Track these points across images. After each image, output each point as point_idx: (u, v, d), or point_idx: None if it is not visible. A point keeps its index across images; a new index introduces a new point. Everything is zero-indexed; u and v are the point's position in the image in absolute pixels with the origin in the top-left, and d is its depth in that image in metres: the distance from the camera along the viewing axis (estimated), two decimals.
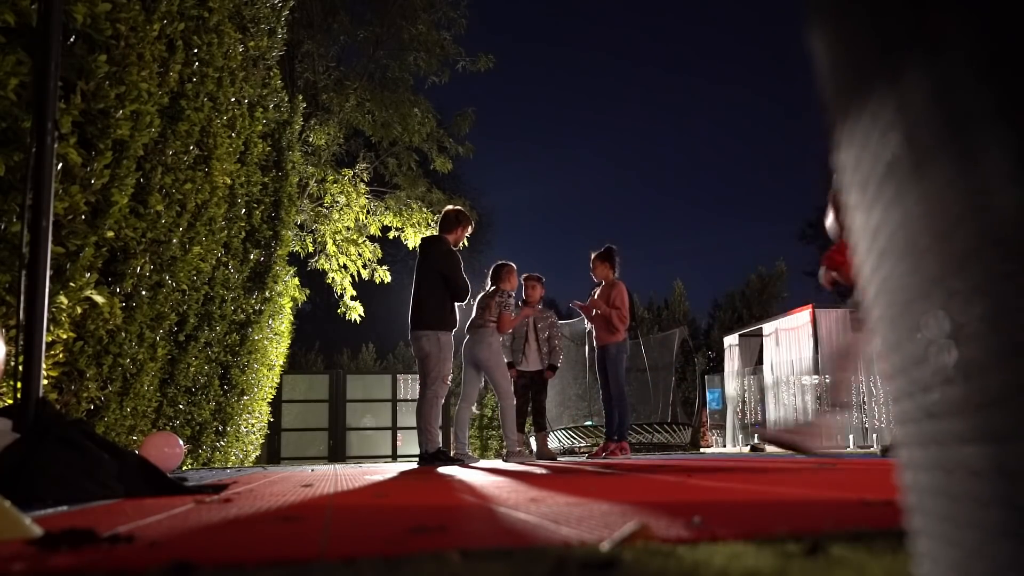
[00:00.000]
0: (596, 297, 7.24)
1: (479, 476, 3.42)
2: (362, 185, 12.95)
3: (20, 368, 2.43)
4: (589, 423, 16.03)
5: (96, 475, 2.25)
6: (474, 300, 6.56)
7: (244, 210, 6.61)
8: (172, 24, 4.33)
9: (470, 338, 6.52)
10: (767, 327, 14.92)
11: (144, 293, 4.41)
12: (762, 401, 14.77)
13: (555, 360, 7.27)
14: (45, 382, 2.87)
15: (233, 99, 5.78)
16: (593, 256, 7.26)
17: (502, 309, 6.40)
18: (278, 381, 9.79)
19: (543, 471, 3.82)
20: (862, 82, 0.46)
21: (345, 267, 12.89)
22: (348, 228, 12.86)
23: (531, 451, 8.57)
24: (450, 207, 6.39)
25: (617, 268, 7.20)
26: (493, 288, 6.63)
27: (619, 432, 7.10)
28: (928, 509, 0.45)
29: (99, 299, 3.67)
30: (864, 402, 12.67)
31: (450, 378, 6.04)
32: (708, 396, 17.79)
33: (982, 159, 0.37)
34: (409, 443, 14.76)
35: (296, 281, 10.99)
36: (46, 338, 2.71)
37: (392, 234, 13.31)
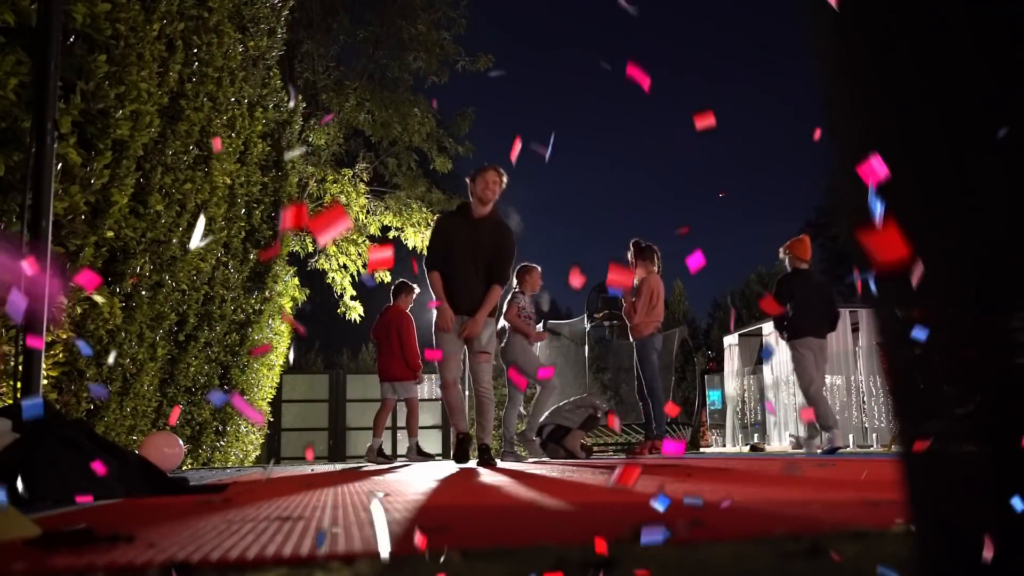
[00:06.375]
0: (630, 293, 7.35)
1: (478, 476, 3.42)
2: (362, 185, 12.95)
3: (20, 368, 2.43)
4: None
5: (96, 475, 2.25)
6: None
7: (244, 210, 6.61)
8: (172, 24, 4.32)
9: (504, 345, 6.73)
10: (767, 327, 14.92)
11: (144, 293, 4.41)
12: (762, 401, 14.77)
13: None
14: (45, 382, 2.87)
15: (233, 99, 5.77)
16: (631, 251, 7.32)
17: (521, 317, 6.54)
18: (278, 381, 9.78)
19: (543, 471, 3.82)
20: (863, 86, 0.46)
21: (345, 267, 12.89)
22: (348, 228, 12.86)
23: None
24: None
25: (657, 264, 7.30)
26: (512, 294, 6.75)
27: (649, 429, 7.14)
28: (928, 508, 0.45)
29: (99, 299, 3.66)
30: (864, 402, 12.67)
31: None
32: (708, 396, 17.79)
33: (978, 164, 0.37)
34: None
35: (296, 281, 10.98)
36: (46, 338, 2.71)
37: (392, 234, 13.30)
